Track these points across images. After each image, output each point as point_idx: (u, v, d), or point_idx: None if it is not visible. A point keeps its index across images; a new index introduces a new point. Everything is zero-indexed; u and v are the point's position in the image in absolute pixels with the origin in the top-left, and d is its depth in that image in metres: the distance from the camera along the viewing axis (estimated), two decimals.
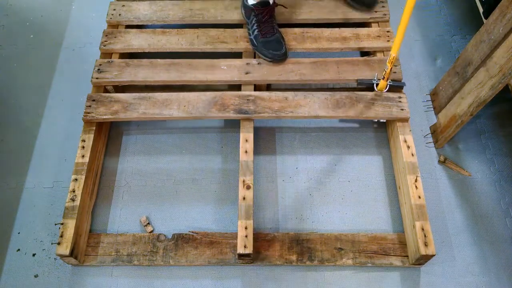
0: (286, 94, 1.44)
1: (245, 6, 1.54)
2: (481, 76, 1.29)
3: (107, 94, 1.45)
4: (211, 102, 1.41)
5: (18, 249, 1.34)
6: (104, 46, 1.56)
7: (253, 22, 1.51)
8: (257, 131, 1.53)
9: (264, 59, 1.50)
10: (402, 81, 1.48)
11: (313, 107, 1.41)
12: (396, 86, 1.44)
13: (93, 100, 1.43)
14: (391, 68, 1.33)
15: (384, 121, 1.51)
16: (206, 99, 1.42)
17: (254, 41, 1.51)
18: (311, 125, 1.55)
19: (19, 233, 1.37)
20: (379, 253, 1.28)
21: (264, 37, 1.49)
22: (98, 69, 1.51)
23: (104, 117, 1.40)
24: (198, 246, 1.30)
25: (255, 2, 1.49)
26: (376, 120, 1.54)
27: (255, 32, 1.50)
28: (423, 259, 1.23)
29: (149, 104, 1.42)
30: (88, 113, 1.40)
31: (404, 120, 1.41)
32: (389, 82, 1.42)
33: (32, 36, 1.82)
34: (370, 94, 1.44)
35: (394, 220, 1.37)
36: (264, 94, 1.44)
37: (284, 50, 1.48)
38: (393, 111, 1.41)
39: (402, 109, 1.41)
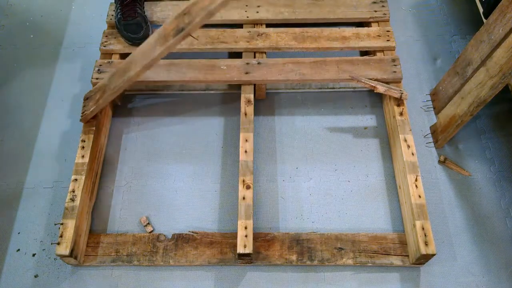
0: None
1: None
2: (481, 76, 1.29)
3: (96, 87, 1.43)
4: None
5: (18, 249, 1.34)
6: (104, 46, 1.56)
7: (117, 5, 1.57)
8: (257, 130, 1.53)
9: (125, 42, 1.56)
10: (402, 81, 1.48)
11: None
12: None
13: (87, 99, 1.41)
14: None
15: (383, 119, 1.52)
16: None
17: (117, 23, 1.56)
18: (312, 125, 1.55)
19: (19, 233, 1.37)
20: (380, 252, 1.28)
21: (125, 20, 1.54)
22: (98, 70, 1.51)
23: (91, 109, 1.36)
24: (198, 246, 1.30)
25: None
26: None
27: (118, 15, 1.55)
28: (424, 259, 1.23)
29: (119, 74, 1.39)
30: (83, 113, 1.40)
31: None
32: None
33: (32, 36, 1.82)
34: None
35: (394, 219, 1.37)
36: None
37: (143, 34, 1.53)
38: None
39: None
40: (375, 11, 1.64)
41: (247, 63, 1.51)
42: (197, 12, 1.21)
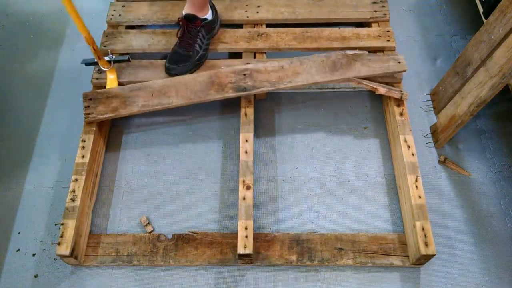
0: (281, 63, 1.44)
1: None
2: (481, 76, 1.29)
3: (102, 90, 1.44)
4: (208, 83, 1.41)
5: (18, 249, 1.34)
6: (104, 46, 1.56)
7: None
8: (257, 131, 1.53)
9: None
10: (402, 81, 1.49)
11: (310, 72, 1.43)
12: (121, 60, 1.45)
13: (90, 99, 1.42)
14: (94, 47, 1.35)
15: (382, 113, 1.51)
16: (203, 80, 1.42)
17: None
18: (312, 124, 1.55)
19: (19, 233, 1.37)
20: (379, 253, 1.28)
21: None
22: (98, 70, 1.50)
23: (106, 116, 1.39)
24: (198, 246, 1.30)
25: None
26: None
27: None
28: (424, 259, 1.23)
29: (147, 95, 1.41)
30: (89, 114, 1.40)
31: (402, 71, 1.45)
32: (112, 57, 1.44)
33: (32, 36, 1.82)
34: (365, 52, 1.46)
35: (394, 220, 1.37)
36: (259, 65, 1.44)
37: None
38: (390, 65, 1.44)
39: (399, 62, 1.45)
40: (375, 11, 1.64)
41: (247, 63, 1.50)
42: (262, 83, 1.39)
